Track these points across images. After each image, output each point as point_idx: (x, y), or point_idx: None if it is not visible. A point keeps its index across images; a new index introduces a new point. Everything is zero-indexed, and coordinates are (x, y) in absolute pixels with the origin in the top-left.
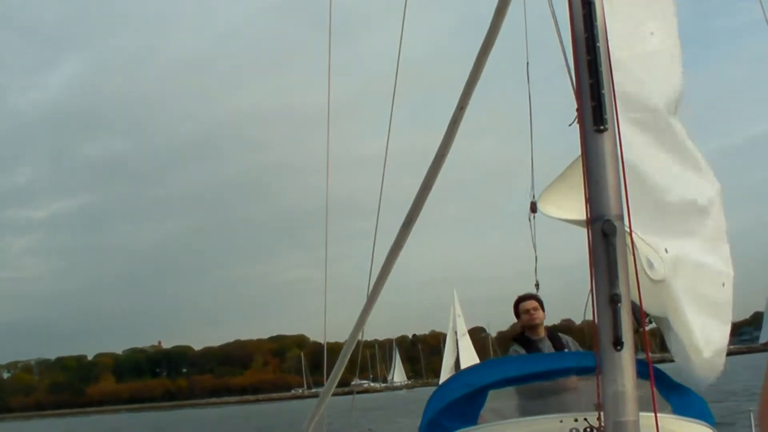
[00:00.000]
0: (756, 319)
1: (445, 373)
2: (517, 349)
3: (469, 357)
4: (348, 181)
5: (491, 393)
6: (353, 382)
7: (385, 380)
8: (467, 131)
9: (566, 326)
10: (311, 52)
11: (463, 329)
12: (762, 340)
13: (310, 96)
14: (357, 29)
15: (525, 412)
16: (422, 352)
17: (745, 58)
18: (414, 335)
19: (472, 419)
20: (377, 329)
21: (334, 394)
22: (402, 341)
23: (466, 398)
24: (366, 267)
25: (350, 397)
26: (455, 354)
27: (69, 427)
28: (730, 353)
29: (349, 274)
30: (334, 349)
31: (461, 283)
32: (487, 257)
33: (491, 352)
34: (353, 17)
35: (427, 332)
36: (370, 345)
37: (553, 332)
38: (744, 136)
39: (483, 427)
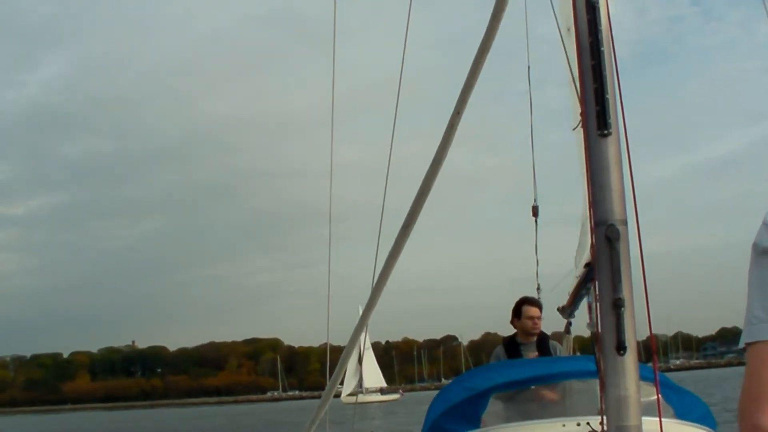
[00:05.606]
0: (721, 336)
1: (348, 385)
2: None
3: (371, 370)
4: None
5: (494, 396)
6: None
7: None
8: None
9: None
10: (288, 62)
11: (367, 343)
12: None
13: (283, 104)
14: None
15: (527, 415)
16: (395, 359)
17: (715, 77)
18: (387, 341)
19: (475, 422)
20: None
21: (308, 398)
22: (375, 347)
23: (468, 401)
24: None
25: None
26: (359, 367)
27: (44, 423)
28: (691, 368)
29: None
30: (308, 353)
31: (434, 292)
32: (460, 266)
33: (463, 360)
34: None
35: (399, 339)
36: (340, 350)
37: (543, 337)
38: (710, 154)
39: (485, 430)
